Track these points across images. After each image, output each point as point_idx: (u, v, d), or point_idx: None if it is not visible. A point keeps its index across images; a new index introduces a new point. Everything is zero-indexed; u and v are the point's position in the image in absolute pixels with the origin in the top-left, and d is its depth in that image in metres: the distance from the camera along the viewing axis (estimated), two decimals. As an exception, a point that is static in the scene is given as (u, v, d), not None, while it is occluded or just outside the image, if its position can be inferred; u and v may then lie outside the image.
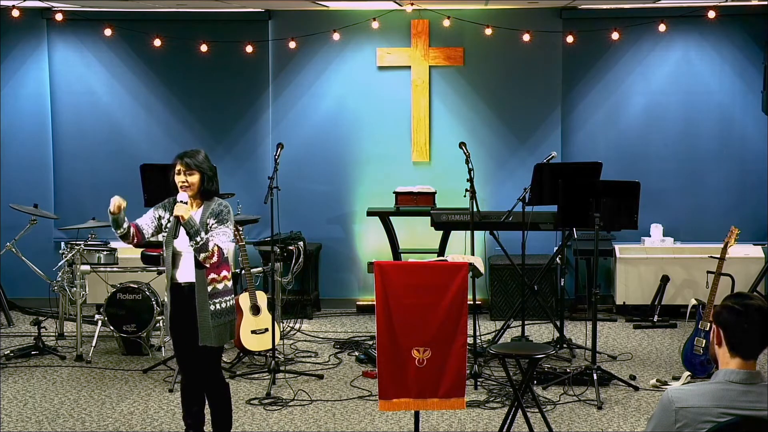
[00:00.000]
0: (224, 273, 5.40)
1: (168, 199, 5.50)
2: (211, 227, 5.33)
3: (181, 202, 5.30)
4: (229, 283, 5.45)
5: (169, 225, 5.43)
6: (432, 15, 9.41)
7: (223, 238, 5.33)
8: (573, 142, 9.65)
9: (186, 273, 5.41)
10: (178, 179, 5.37)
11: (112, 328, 7.88)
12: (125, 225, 5.37)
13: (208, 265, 5.31)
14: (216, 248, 5.28)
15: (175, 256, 5.42)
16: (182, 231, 5.30)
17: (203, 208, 5.42)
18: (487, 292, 9.29)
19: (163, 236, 5.48)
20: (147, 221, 5.49)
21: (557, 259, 8.40)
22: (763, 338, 3.19)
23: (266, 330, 7.53)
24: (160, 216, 5.47)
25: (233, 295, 5.50)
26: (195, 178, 5.37)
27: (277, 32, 9.58)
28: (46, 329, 8.35)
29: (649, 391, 6.96)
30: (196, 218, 5.35)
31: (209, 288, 5.34)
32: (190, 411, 5.61)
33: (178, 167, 5.38)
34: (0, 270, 9.18)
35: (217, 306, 5.36)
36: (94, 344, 7.93)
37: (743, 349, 3.19)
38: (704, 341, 6.99)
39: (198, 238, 5.24)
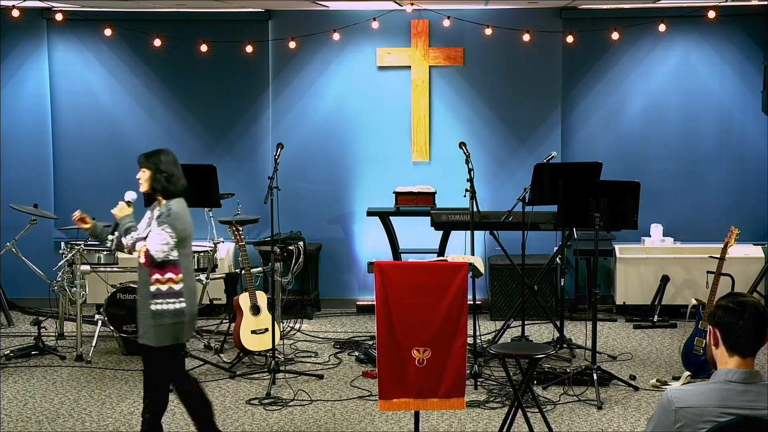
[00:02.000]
0: (169, 275, 5.37)
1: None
2: (151, 227, 5.45)
3: (127, 201, 5.56)
4: (177, 287, 5.38)
5: None
6: (432, 15, 9.41)
7: (156, 240, 5.32)
8: (573, 142, 9.65)
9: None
10: None
11: (112, 328, 7.88)
12: (111, 237, 5.58)
13: (141, 263, 5.41)
14: (143, 249, 5.33)
15: None
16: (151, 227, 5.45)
17: (161, 207, 5.51)
18: (487, 292, 9.29)
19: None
20: (143, 225, 5.58)
21: (557, 259, 8.40)
22: (759, 335, 3.21)
23: (266, 330, 7.54)
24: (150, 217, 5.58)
25: (182, 299, 5.40)
26: (145, 175, 5.49)
27: (277, 32, 9.58)
28: (46, 329, 8.35)
29: (649, 391, 6.96)
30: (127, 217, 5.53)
31: (152, 288, 5.36)
32: (145, 401, 5.70)
33: None
34: (0, 270, 9.18)
35: (159, 307, 5.35)
36: (94, 344, 7.93)
37: (741, 348, 3.20)
38: (704, 341, 6.99)
39: (125, 239, 5.48)
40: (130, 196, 5.59)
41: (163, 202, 5.46)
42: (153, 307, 5.35)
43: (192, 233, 5.56)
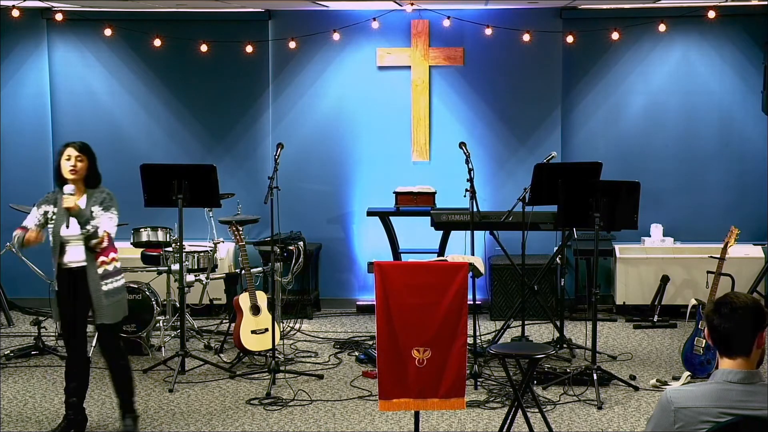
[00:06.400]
0: (112, 255, 5.87)
1: (48, 193, 5.93)
2: (96, 215, 5.74)
3: (69, 194, 5.69)
4: (119, 264, 5.93)
5: (55, 216, 5.76)
6: (432, 15, 9.41)
7: (109, 224, 5.80)
8: (573, 142, 9.65)
9: (75, 257, 5.81)
10: (68, 164, 5.76)
11: (112, 328, 7.87)
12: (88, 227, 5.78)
13: (98, 250, 5.73)
14: (105, 234, 5.70)
15: (63, 243, 5.80)
16: (73, 220, 5.69)
17: (86, 196, 5.82)
18: (487, 292, 9.29)
19: (50, 227, 5.82)
20: (33, 220, 5.86)
21: (557, 259, 8.40)
22: (746, 334, 3.17)
23: (266, 330, 7.54)
24: (46, 211, 5.84)
25: (123, 275, 5.96)
26: (84, 165, 5.80)
27: (277, 32, 9.58)
28: (46, 329, 8.35)
29: (649, 391, 6.96)
30: (81, 206, 5.73)
31: (100, 270, 5.79)
32: (70, 386, 6.07)
33: (68, 152, 5.77)
34: (0, 270, 9.18)
35: (109, 286, 5.83)
36: (94, 344, 7.90)
37: (727, 349, 3.18)
38: (704, 341, 6.99)
39: (89, 226, 5.66)
40: (70, 188, 5.77)
41: (86, 191, 5.81)
42: (105, 287, 5.80)
43: None
